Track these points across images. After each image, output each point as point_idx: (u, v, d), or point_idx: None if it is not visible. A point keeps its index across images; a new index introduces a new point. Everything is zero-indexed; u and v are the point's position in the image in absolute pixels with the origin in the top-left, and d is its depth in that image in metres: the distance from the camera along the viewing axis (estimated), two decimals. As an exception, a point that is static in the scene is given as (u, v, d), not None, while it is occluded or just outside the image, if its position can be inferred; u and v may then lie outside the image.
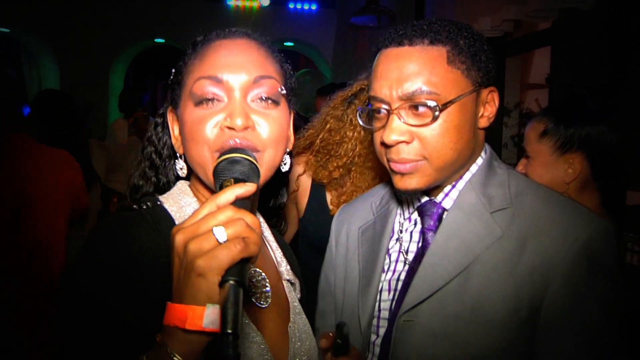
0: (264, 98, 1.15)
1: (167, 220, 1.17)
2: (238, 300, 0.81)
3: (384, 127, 1.26)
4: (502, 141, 4.95)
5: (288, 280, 1.41)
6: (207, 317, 0.81)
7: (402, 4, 6.20)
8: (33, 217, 2.88)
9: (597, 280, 1.17)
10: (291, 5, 10.44)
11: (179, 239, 0.85)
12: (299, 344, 1.30)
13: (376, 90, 1.27)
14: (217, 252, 0.81)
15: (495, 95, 1.33)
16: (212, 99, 1.13)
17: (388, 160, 1.29)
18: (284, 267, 1.41)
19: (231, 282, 0.81)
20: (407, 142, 1.23)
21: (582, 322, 1.17)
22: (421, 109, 1.21)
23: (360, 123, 1.39)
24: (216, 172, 1.02)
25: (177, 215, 1.20)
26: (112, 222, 1.15)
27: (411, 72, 1.22)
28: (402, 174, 1.27)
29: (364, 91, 2.24)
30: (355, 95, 2.31)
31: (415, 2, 5.81)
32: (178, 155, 1.26)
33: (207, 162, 1.12)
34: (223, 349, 0.78)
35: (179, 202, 1.23)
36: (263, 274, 1.29)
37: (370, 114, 1.35)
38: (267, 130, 1.14)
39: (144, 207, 1.20)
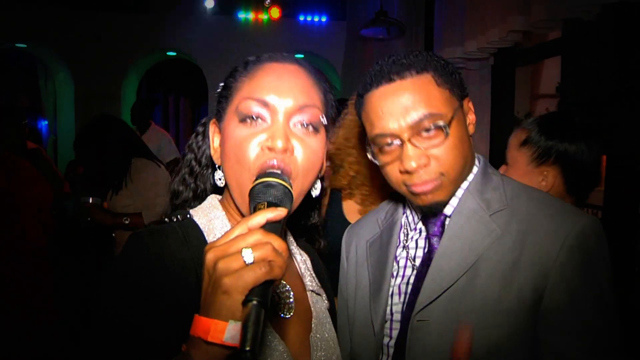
0: (305, 124, 1.20)
1: (196, 232, 1.23)
2: (259, 320, 0.85)
3: (398, 158, 1.35)
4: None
5: (312, 291, 1.44)
6: (228, 332, 0.88)
7: (412, 16, 6.24)
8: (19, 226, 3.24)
9: (589, 268, 1.28)
10: (301, 18, 10.53)
11: (210, 256, 0.91)
12: (321, 353, 1.34)
13: (383, 127, 1.36)
14: (243, 272, 0.87)
15: (471, 104, 1.46)
16: (256, 118, 1.17)
17: (409, 185, 1.37)
18: (308, 279, 1.45)
19: (254, 302, 0.86)
20: (427, 164, 1.33)
21: (577, 308, 1.27)
22: (432, 132, 1.32)
23: (375, 161, 1.44)
24: (252, 194, 1.07)
25: (206, 228, 1.25)
26: (144, 234, 1.19)
27: (412, 102, 1.32)
28: (426, 194, 1.36)
29: None
30: None
31: (425, 13, 5.85)
32: (217, 166, 1.30)
33: (244, 182, 1.16)
34: None
35: (208, 214, 1.28)
36: (287, 285, 1.34)
37: (377, 151, 1.42)
38: (303, 157, 1.19)
39: (175, 219, 1.26)
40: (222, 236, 0.94)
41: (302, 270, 1.46)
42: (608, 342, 1.28)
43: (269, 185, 1.06)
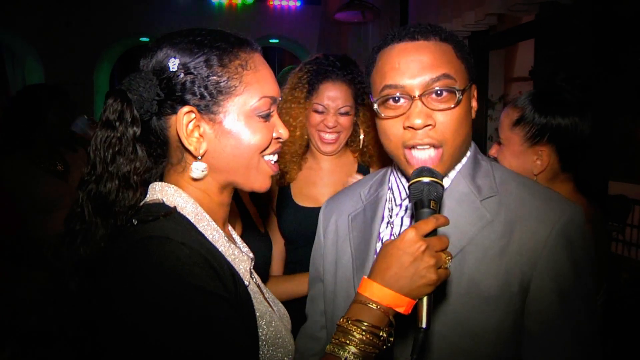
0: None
1: (189, 225, 1.22)
2: (431, 305, 1.15)
3: (403, 114, 1.33)
4: (486, 134, 5.01)
5: None
6: (412, 308, 1.13)
7: (386, 0, 6.22)
8: None
9: (575, 257, 1.32)
10: (276, 2, 10.42)
11: (426, 250, 1.12)
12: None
13: (395, 79, 1.33)
14: (442, 274, 1.13)
15: (476, 92, 1.45)
16: (268, 117, 1.30)
17: (406, 147, 1.34)
18: None
19: None
20: (432, 126, 1.30)
21: (562, 296, 1.31)
22: (444, 94, 1.30)
23: (378, 112, 1.38)
24: (415, 189, 1.22)
25: (193, 219, 1.24)
26: (163, 239, 1.12)
27: (432, 62, 1.32)
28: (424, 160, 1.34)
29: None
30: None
31: (400, -3, 5.84)
32: (199, 157, 1.25)
33: (252, 172, 1.30)
34: (417, 336, 1.11)
35: (188, 205, 1.26)
36: None
37: (381, 104, 1.37)
38: None
39: (164, 214, 1.19)
40: (420, 224, 1.14)
41: None
42: (589, 333, 1.32)
43: (431, 184, 1.21)
